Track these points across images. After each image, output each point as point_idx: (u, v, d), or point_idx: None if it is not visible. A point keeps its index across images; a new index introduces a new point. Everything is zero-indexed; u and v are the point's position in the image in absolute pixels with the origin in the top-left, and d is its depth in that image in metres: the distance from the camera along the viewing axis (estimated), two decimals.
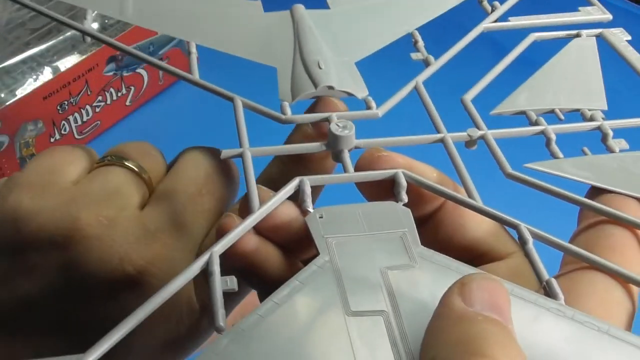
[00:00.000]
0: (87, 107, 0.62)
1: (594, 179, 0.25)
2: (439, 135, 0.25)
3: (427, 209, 0.25)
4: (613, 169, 0.25)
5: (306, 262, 0.21)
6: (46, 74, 0.60)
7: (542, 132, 0.26)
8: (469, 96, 0.28)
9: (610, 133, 0.26)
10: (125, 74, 0.63)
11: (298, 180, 0.23)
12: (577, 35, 0.31)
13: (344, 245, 0.22)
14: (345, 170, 0.24)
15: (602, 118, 0.27)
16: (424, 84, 0.28)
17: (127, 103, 0.66)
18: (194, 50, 0.29)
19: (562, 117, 0.27)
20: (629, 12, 0.75)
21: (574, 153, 0.26)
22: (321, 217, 0.22)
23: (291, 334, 0.20)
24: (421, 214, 0.24)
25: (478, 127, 0.26)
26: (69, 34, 0.63)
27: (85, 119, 0.62)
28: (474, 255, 0.25)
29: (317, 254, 0.21)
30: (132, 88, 0.65)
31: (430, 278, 0.21)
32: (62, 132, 0.61)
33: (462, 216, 0.24)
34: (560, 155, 0.25)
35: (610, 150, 0.26)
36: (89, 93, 0.61)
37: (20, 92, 0.58)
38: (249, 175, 0.24)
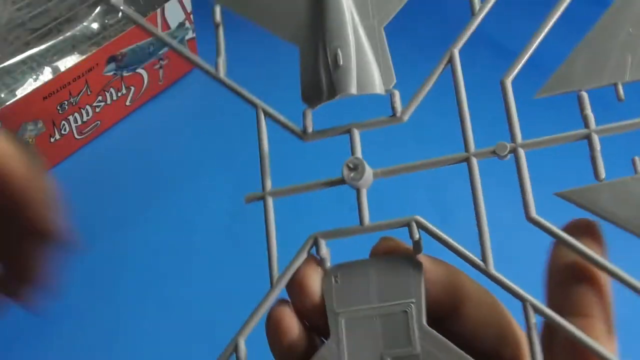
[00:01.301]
0: (87, 107, 0.62)
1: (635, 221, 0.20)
2: (463, 155, 0.23)
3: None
4: None
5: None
6: (46, 74, 0.60)
7: (586, 138, 0.21)
8: (510, 77, 0.23)
9: None
10: (125, 74, 0.63)
11: (312, 239, 0.23)
12: None
13: (351, 325, 0.22)
14: (359, 211, 0.23)
15: None
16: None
17: (127, 103, 0.66)
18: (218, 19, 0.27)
19: (622, 96, 0.21)
20: None
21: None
22: (336, 281, 0.23)
23: None
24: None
25: (513, 135, 0.22)
26: (69, 34, 0.63)
27: (85, 119, 0.62)
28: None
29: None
30: (132, 88, 0.65)
31: None
32: (62, 132, 0.61)
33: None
34: (603, 175, 0.21)
35: None
36: (89, 93, 0.61)
37: (20, 92, 0.58)
38: (270, 226, 0.24)
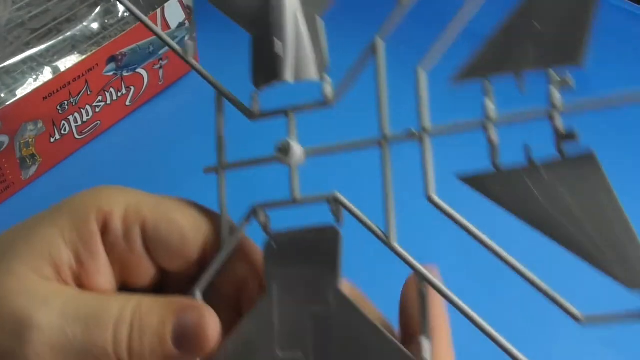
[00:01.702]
0: (87, 107, 0.62)
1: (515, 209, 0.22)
2: (377, 138, 0.25)
3: None
4: (546, 193, 0.22)
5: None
6: (46, 74, 0.60)
7: (482, 126, 0.23)
8: (425, 65, 0.24)
9: (560, 127, 0.21)
10: (125, 74, 0.63)
11: (252, 209, 0.28)
12: None
13: (282, 284, 0.26)
14: (291, 185, 0.27)
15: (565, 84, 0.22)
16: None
17: (127, 103, 0.66)
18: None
19: (523, 87, 0.23)
20: (629, 12, 0.75)
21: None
22: (274, 246, 0.27)
23: None
24: None
25: (420, 120, 0.24)
26: (69, 34, 0.63)
27: (85, 119, 0.62)
28: None
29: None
30: (132, 88, 0.65)
31: (345, 323, 0.24)
32: (62, 132, 0.61)
33: None
34: (497, 162, 0.23)
35: (557, 153, 0.22)
36: (89, 93, 0.61)
37: (20, 92, 0.58)
38: (222, 195, 0.29)
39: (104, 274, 0.27)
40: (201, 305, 0.26)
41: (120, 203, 0.27)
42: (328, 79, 0.27)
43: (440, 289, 0.24)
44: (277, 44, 0.26)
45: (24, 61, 0.61)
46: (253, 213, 0.27)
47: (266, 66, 0.27)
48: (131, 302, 0.26)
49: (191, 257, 0.28)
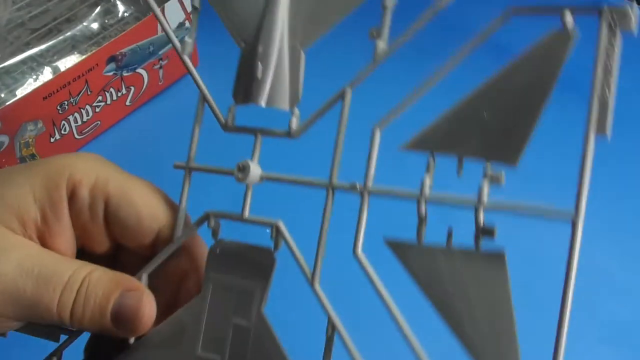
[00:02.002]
0: (87, 107, 0.62)
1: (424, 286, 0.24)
2: (325, 182, 0.27)
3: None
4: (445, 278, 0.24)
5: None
6: (46, 74, 0.60)
7: (417, 199, 0.25)
8: (382, 126, 0.26)
9: (481, 221, 0.23)
10: (125, 74, 0.63)
11: (205, 215, 0.30)
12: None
13: (216, 289, 0.28)
14: (243, 203, 0.29)
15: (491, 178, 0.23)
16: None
17: (127, 103, 0.66)
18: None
19: (460, 173, 0.24)
20: None
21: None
22: (216, 251, 0.29)
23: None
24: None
25: (366, 178, 0.26)
26: (69, 34, 0.63)
27: (85, 119, 0.63)
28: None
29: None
30: (132, 88, 0.65)
31: (259, 343, 0.27)
32: (62, 132, 0.61)
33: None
34: (422, 237, 0.25)
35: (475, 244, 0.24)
36: (89, 93, 0.61)
37: (20, 92, 0.58)
38: (184, 194, 0.31)
39: (65, 237, 0.29)
40: (143, 290, 0.28)
41: (91, 175, 0.29)
42: (297, 112, 0.28)
43: (347, 341, 0.25)
44: (259, 67, 0.28)
45: (24, 61, 0.61)
46: (205, 218, 0.29)
47: (246, 85, 0.28)
48: (83, 270, 0.27)
49: (144, 240, 0.30)
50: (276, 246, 0.27)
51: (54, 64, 0.61)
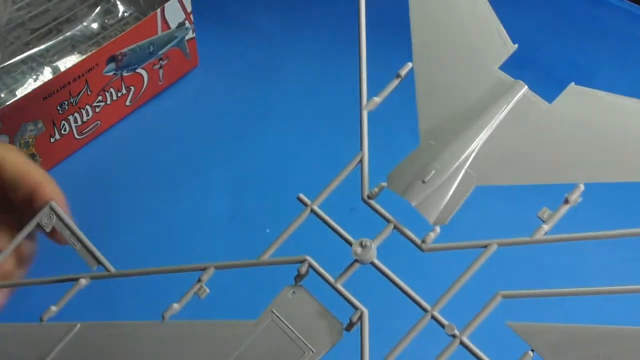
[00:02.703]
0: (87, 107, 0.62)
1: None
2: (426, 306, 0.28)
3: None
4: None
5: None
6: (46, 74, 0.60)
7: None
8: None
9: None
10: (125, 74, 0.63)
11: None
12: None
13: (273, 326, 0.28)
14: (342, 274, 0.29)
15: None
16: None
17: (127, 103, 0.66)
18: None
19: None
20: (629, 12, 0.75)
21: None
22: (291, 295, 0.28)
23: None
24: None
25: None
26: (69, 34, 0.63)
27: (85, 119, 0.62)
28: None
29: None
30: (132, 88, 0.65)
31: None
32: (62, 132, 0.61)
33: None
34: None
35: None
36: (89, 93, 0.61)
37: (20, 92, 0.58)
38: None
39: None
40: None
41: None
42: (438, 230, 0.28)
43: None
44: (432, 174, 0.29)
45: (24, 61, 0.61)
46: (301, 260, 0.29)
47: (409, 180, 0.29)
48: None
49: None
50: (349, 328, 0.28)
51: (54, 64, 0.61)
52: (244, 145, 0.64)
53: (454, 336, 0.27)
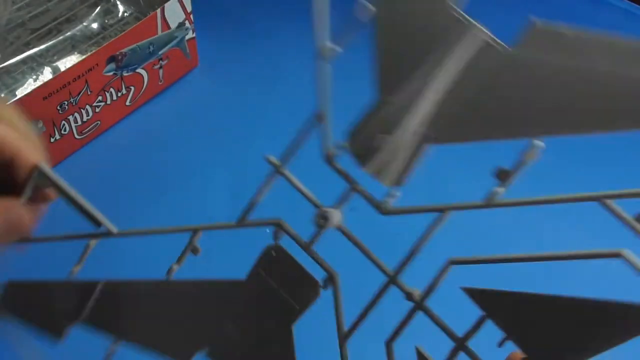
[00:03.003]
0: (87, 107, 0.62)
1: None
2: (390, 272, 0.28)
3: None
4: None
5: None
6: (46, 74, 0.60)
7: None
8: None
9: None
10: (125, 74, 0.63)
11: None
12: None
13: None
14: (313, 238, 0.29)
15: None
16: None
17: (127, 103, 0.66)
18: None
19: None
20: (629, 12, 0.75)
21: None
22: (273, 254, 0.30)
23: None
24: None
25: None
26: (69, 33, 0.63)
27: (85, 119, 0.62)
28: None
29: None
30: (132, 88, 0.65)
31: None
32: (62, 132, 0.61)
33: None
34: None
35: None
36: (89, 93, 0.61)
37: (20, 92, 0.58)
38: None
39: None
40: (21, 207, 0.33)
41: None
42: (395, 194, 0.28)
43: None
44: (384, 138, 0.27)
45: (24, 61, 0.61)
46: (275, 224, 0.30)
47: (365, 142, 0.28)
48: None
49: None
50: (325, 286, 0.28)
51: (54, 64, 0.61)
52: (244, 145, 0.64)
53: (414, 302, 0.27)
